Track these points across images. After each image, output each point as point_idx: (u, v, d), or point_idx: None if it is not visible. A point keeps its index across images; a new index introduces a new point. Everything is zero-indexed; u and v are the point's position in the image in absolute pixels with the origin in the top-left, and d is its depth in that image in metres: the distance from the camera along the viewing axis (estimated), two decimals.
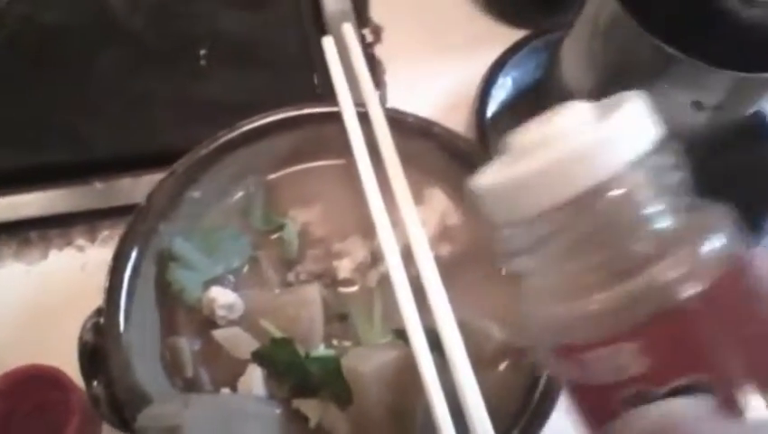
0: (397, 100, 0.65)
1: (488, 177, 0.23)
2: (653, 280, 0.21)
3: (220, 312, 0.46)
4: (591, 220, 0.21)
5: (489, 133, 0.60)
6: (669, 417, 0.21)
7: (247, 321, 0.47)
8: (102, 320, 0.44)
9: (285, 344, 0.44)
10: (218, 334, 0.46)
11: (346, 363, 0.43)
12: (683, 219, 0.22)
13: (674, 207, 0.22)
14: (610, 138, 0.21)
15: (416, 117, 0.53)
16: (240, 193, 0.53)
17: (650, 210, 0.21)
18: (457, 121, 0.63)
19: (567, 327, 0.22)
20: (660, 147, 0.22)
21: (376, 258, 0.50)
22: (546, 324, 0.24)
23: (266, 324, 0.46)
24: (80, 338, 0.44)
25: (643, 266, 0.21)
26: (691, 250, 0.21)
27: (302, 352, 0.45)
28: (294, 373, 0.44)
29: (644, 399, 0.21)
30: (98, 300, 0.45)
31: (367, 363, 0.42)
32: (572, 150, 0.21)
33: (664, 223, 0.22)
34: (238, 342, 0.46)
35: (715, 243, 0.21)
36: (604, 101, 0.25)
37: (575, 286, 0.22)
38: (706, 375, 0.21)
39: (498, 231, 0.24)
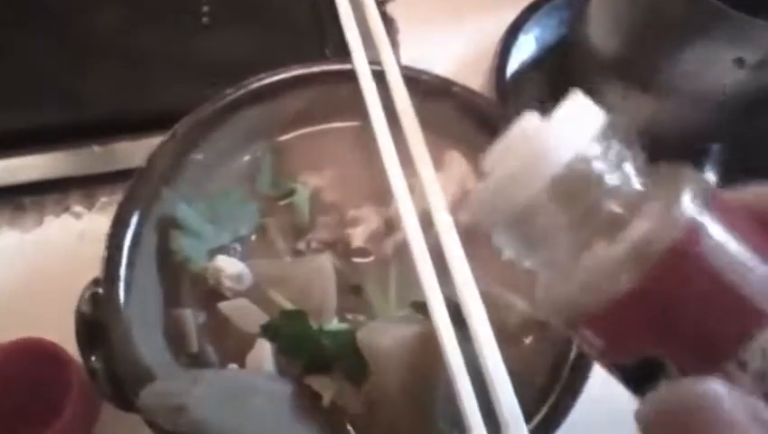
0: (410, 62, 0.61)
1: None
2: (631, 239, 0.22)
3: (227, 282, 0.43)
4: (564, 205, 0.23)
5: (509, 93, 0.56)
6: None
7: (255, 292, 0.44)
8: (101, 291, 0.41)
9: (297, 316, 0.42)
10: (224, 306, 0.43)
11: (362, 337, 0.40)
12: (647, 183, 0.23)
13: (636, 174, 0.23)
14: (561, 128, 0.23)
15: (434, 76, 0.49)
16: (247, 157, 0.50)
17: (613, 180, 0.23)
18: (475, 82, 0.60)
19: (574, 301, 0.23)
20: (610, 128, 0.24)
21: (391, 225, 0.47)
22: (555, 307, 0.25)
23: (276, 295, 0.43)
24: (77, 309, 0.41)
25: (621, 228, 0.22)
26: (662, 205, 0.22)
27: (314, 325, 0.42)
28: (306, 348, 0.41)
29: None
30: (96, 270, 0.43)
31: (384, 337, 0.40)
32: (530, 148, 0.23)
33: (630, 188, 0.23)
34: (246, 314, 0.43)
35: (683, 200, 0.22)
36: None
37: (571, 266, 0.23)
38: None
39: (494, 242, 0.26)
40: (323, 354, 0.41)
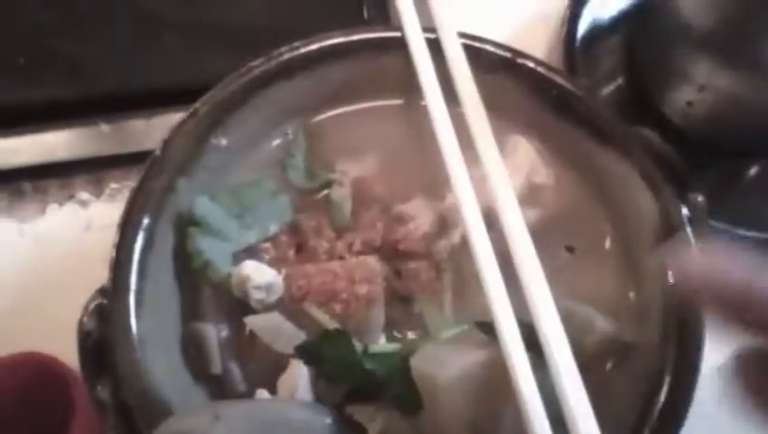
0: (462, 23, 0.53)
1: None
2: None
3: (256, 294, 0.37)
4: None
5: (579, 64, 0.49)
6: None
7: (288, 305, 0.38)
8: (107, 304, 0.34)
9: (338, 336, 0.36)
10: (251, 321, 0.37)
11: (418, 365, 0.34)
12: None
13: None
14: None
15: (499, 46, 0.42)
16: (277, 141, 0.43)
17: None
18: (537, 52, 0.52)
19: None
20: None
21: (446, 224, 0.40)
22: None
23: (313, 309, 0.37)
24: (80, 326, 0.35)
25: None
26: None
27: (358, 345, 0.35)
28: (348, 374, 0.36)
29: None
30: (105, 269, 0.36)
31: (445, 368, 0.33)
32: None
33: None
34: (278, 332, 0.37)
35: None
36: None
37: None
38: None
39: None
40: (369, 381, 0.35)
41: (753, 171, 0.47)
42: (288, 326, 0.37)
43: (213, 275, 0.37)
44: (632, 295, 0.39)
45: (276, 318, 0.37)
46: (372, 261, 0.38)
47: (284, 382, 0.36)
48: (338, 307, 0.37)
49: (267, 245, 0.40)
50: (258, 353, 0.37)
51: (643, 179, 0.39)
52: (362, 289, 0.37)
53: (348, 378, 0.35)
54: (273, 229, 0.40)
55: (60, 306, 0.36)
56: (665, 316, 0.37)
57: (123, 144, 0.50)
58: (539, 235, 0.38)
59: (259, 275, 0.37)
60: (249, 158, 0.42)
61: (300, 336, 0.36)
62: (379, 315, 0.37)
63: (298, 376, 0.36)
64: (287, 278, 0.38)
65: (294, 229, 0.40)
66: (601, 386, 0.37)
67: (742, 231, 0.45)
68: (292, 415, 0.34)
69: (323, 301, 0.37)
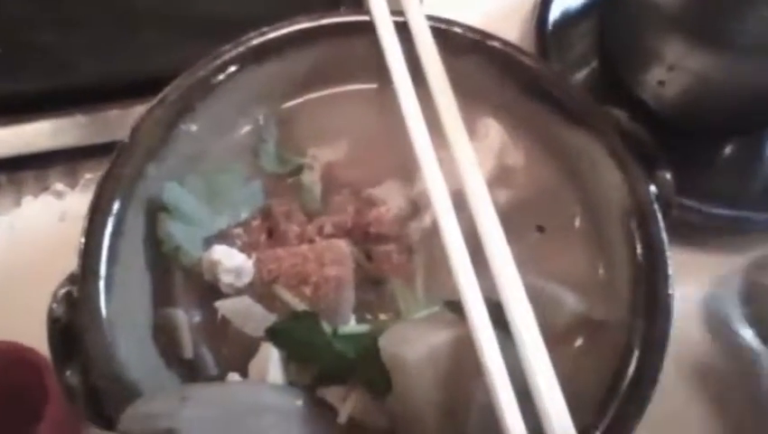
0: (435, 8, 0.53)
1: None
2: None
3: (226, 278, 0.37)
4: None
5: (551, 48, 0.49)
6: None
7: (258, 288, 0.38)
8: (77, 290, 0.34)
9: (308, 318, 0.36)
10: (222, 305, 0.37)
11: (386, 345, 0.34)
12: None
13: None
14: None
15: (468, 28, 0.42)
16: (248, 127, 0.43)
17: None
18: (510, 35, 0.52)
19: None
20: None
21: (417, 207, 0.41)
22: None
23: (283, 292, 0.37)
24: (49, 314, 0.35)
25: None
26: None
27: (328, 327, 0.36)
28: (318, 356, 0.36)
29: None
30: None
31: (413, 347, 0.33)
32: None
33: None
34: (248, 315, 0.37)
35: None
36: None
37: None
38: None
39: None
40: (339, 363, 0.35)
41: (723, 150, 0.48)
42: (258, 310, 0.37)
43: (184, 259, 0.37)
44: (601, 272, 0.39)
45: (246, 302, 0.37)
46: (342, 244, 0.38)
47: (255, 365, 0.36)
48: (308, 290, 0.37)
49: (239, 230, 0.40)
50: (230, 337, 0.37)
51: (611, 157, 0.39)
52: (332, 272, 0.37)
53: (317, 360, 0.35)
54: (244, 214, 0.40)
55: (34, 296, 0.36)
56: (633, 292, 0.37)
57: (98, 134, 0.50)
58: (510, 216, 0.38)
59: (229, 259, 0.37)
60: (220, 144, 0.42)
61: (270, 319, 0.36)
62: (349, 297, 0.37)
63: (269, 359, 0.36)
64: (258, 262, 0.38)
65: (265, 214, 0.40)
66: (570, 362, 0.37)
67: (713, 210, 0.45)
68: (262, 397, 0.35)
69: (293, 284, 0.37)
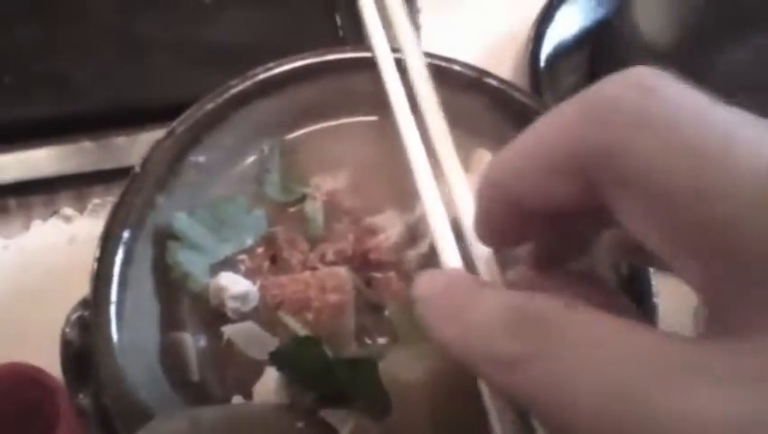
0: (432, 45, 0.55)
1: None
2: None
3: (231, 304, 0.38)
4: None
5: (544, 82, 0.51)
6: None
7: (263, 314, 0.39)
8: (89, 315, 0.36)
9: (310, 343, 0.37)
10: (229, 330, 0.38)
11: (386, 369, 0.35)
12: None
13: None
14: None
15: (466, 66, 0.44)
16: (253, 158, 0.45)
17: None
18: (504, 69, 0.54)
19: None
20: None
21: (416, 235, 0.42)
22: None
23: (287, 318, 0.38)
24: (63, 337, 0.36)
25: None
26: None
27: (329, 352, 0.37)
28: (318, 378, 0.37)
29: None
30: (88, 281, 0.38)
31: (412, 371, 0.35)
32: None
33: None
34: (253, 339, 0.38)
35: None
36: None
37: None
38: None
39: None
40: (339, 386, 0.37)
41: None
42: (263, 334, 0.38)
43: (192, 286, 0.39)
44: None
45: (251, 327, 0.38)
46: (342, 271, 0.40)
47: (259, 388, 0.38)
48: (310, 315, 0.38)
49: (243, 257, 0.41)
50: (235, 361, 0.38)
51: None
52: (333, 298, 0.39)
53: (318, 383, 0.37)
54: (249, 241, 0.42)
55: (44, 318, 0.38)
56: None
57: (106, 160, 0.51)
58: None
59: (234, 285, 0.38)
60: (226, 174, 0.43)
61: (274, 343, 0.38)
62: (349, 322, 0.39)
63: (272, 382, 0.37)
64: (262, 289, 0.39)
65: (269, 241, 0.42)
66: None
67: None
68: (266, 417, 0.36)
69: (296, 310, 0.39)
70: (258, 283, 0.40)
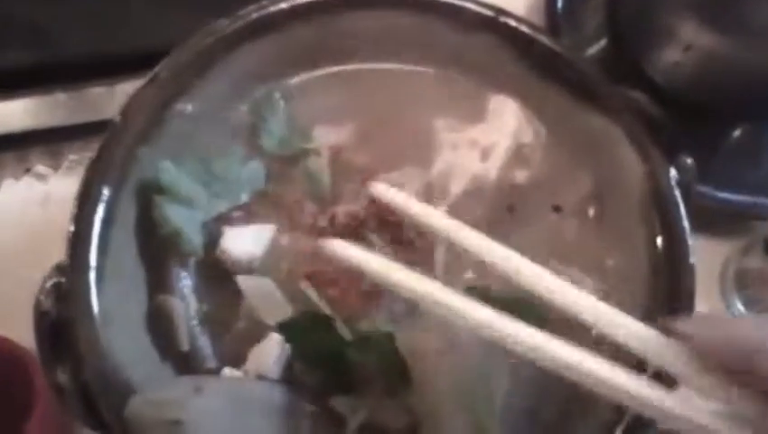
0: None
1: None
2: None
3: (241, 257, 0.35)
4: None
5: (561, 25, 0.47)
6: None
7: (280, 275, 0.36)
8: (65, 282, 0.32)
9: (325, 321, 0.34)
10: (243, 280, 0.35)
11: (404, 339, 0.32)
12: None
13: None
14: None
15: (481, 4, 0.40)
16: (247, 105, 0.40)
17: None
18: (517, 7, 0.50)
19: None
20: None
21: (436, 191, 0.38)
22: None
23: (310, 291, 0.35)
24: (36, 307, 0.32)
25: None
26: None
27: (344, 334, 0.34)
28: (328, 360, 0.34)
29: None
30: (64, 245, 0.34)
31: (432, 338, 0.32)
32: None
33: None
34: (267, 299, 0.35)
35: None
36: None
37: None
38: None
39: None
40: (350, 371, 0.33)
41: (736, 133, 0.46)
42: (279, 297, 0.35)
43: (185, 245, 0.35)
44: (618, 258, 0.38)
45: (268, 285, 0.35)
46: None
47: (256, 352, 0.34)
48: (335, 292, 0.35)
49: (239, 213, 0.37)
50: (231, 328, 0.35)
51: (630, 141, 0.37)
52: (364, 285, 0.35)
53: (328, 365, 0.33)
54: (244, 197, 0.38)
55: (17, 286, 0.34)
56: (653, 281, 0.35)
57: (83, 113, 0.48)
58: (528, 196, 0.38)
59: (241, 245, 0.35)
60: (217, 123, 0.39)
61: (287, 310, 0.34)
62: (375, 305, 0.35)
63: (272, 350, 0.34)
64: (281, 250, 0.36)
65: (267, 197, 0.38)
66: None
67: (725, 195, 0.44)
68: (273, 397, 0.33)
69: (321, 283, 0.35)
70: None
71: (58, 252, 0.34)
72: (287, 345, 0.34)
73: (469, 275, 0.35)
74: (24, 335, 0.35)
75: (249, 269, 0.36)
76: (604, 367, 0.24)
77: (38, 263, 0.34)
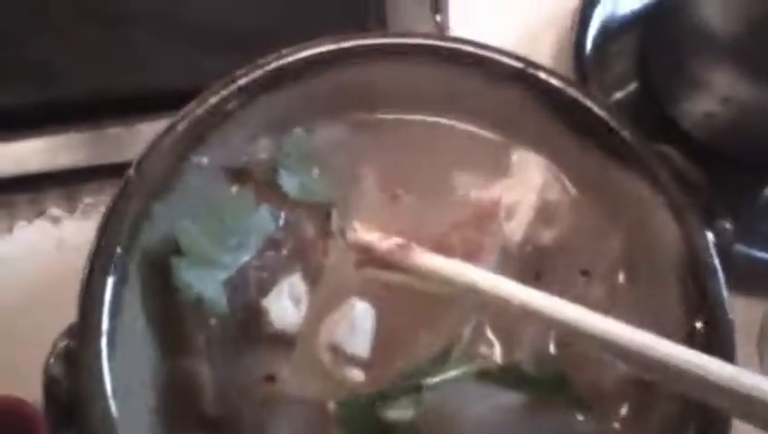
0: (461, 29, 0.50)
1: None
2: None
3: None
4: None
5: (590, 73, 0.45)
6: None
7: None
8: (75, 348, 0.31)
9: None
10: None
11: (437, 404, 0.31)
12: None
13: None
14: None
15: (506, 54, 0.38)
16: (263, 156, 0.39)
17: None
18: (545, 53, 0.49)
19: None
20: None
21: None
22: None
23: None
24: (46, 371, 0.31)
25: None
26: None
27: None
28: None
29: None
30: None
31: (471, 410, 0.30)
32: None
33: None
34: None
35: None
36: None
37: None
38: None
39: None
40: None
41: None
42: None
43: (212, 312, 0.34)
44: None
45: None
46: None
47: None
48: None
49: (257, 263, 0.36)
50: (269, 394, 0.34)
51: (665, 202, 0.35)
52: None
53: None
54: (254, 242, 0.36)
55: (29, 339, 0.34)
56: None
57: (99, 154, 0.48)
58: (554, 257, 0.37)
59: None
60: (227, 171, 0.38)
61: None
62: None
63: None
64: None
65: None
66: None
67: (763, 254, 0.42)
68: None
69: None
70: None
71: (72, 301, 0.33)
72: None
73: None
74: (36, 393, 0.34)
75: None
76: None
77: (51, 313, 0.33)
